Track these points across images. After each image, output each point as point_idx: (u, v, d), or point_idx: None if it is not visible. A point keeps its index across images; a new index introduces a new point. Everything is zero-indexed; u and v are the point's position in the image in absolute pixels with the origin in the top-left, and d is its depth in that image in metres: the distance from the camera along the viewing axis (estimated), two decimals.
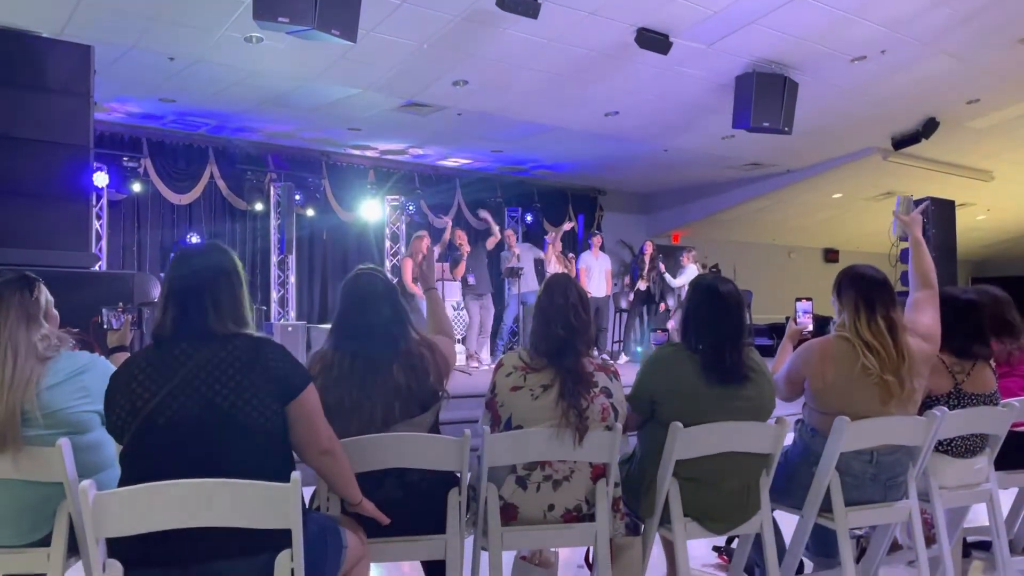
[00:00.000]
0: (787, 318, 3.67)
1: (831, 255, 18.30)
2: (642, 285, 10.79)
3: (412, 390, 2.53)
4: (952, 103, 9.56)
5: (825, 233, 16.97)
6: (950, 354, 3.21)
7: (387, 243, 11.68)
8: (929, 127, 10.18)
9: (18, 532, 2.28)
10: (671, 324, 3.34)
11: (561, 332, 2.66)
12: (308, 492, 2.41)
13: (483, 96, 8.64)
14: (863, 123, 10.06)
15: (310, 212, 10.86)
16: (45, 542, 2.26)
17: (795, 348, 3.14)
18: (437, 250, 9.48)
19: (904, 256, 10.20)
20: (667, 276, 10.71)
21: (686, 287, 10.74)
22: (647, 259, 10.85)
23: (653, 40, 7.03)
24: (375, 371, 2.50)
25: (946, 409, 2.95)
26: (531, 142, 10.82)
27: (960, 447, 3.18)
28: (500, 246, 10.28)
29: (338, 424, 2.35)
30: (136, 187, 9.37)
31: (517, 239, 12.51)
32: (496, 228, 10.17)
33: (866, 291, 2.90)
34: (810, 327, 3.36)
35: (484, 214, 10.57)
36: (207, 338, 2.03)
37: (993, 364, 3.32)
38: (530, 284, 9.90)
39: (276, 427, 2.02)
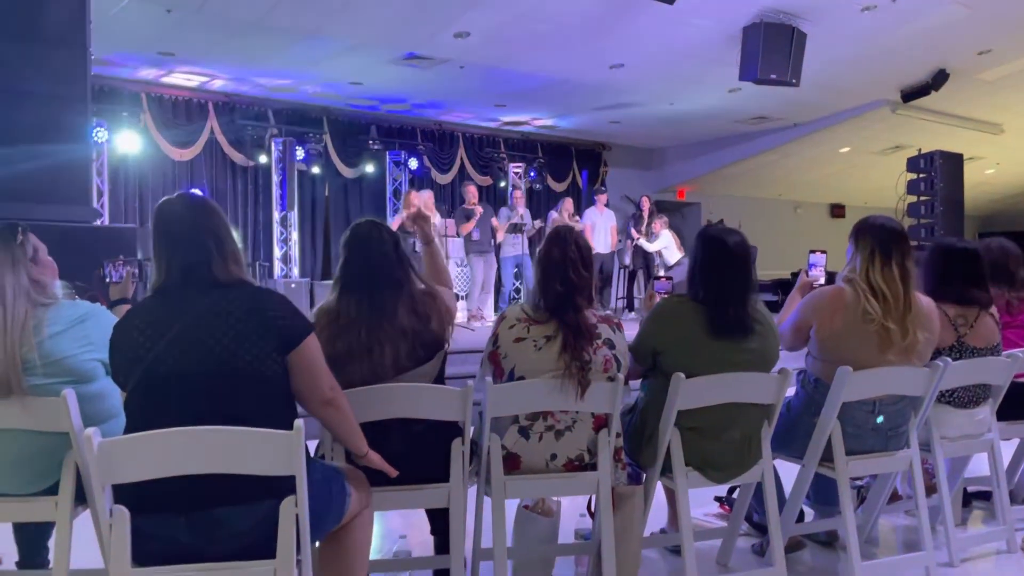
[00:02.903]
0: (792, 274, 3.63)
1: (837, 210, 18.20)
2: (641, 240, 10.76)
3: (417, 333, 2.56)
4: (963, 54, 9.41)
5: (832, 188, 16.86)
6: (951, 304, 3.20)
7: (389, 199, 11.61)
8: (939, 79, 10.04)
9: (26, 481, 2.31)
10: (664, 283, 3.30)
11: (560, 288, 2.65)
12: (312, 445, 2.43)
13: (485, 48, 8.52)
14: (872, 75, 9.91)
15: (314, 169, 10.81)
16: (53, 491, 2.28)
17: None
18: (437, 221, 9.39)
19: (912, 210, 10.17)
20: (642, 241, 10.67)
21: (662, 251, 10.71)
22: (645, 214, 10.81)
23: None
24: (383, 314, 2.52)
25: (949, 360, 2.94)
26: (534, 96, 10.70)
27: (963, 397, 3.18)
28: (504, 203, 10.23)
29: (349, 370, 2.37)
30: (136, 143, 9.31)
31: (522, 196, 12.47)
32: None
33: (885, 239, 2.88)
34: (821, 280, 3.33)
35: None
36: (209, 286, 2.04)
37: (995, 313, 3.31)
38: (521, 247, 9.92)
39: (277, 376, 2.02)
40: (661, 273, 10.37)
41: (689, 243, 12.85)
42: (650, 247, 10.62)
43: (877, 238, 2.89)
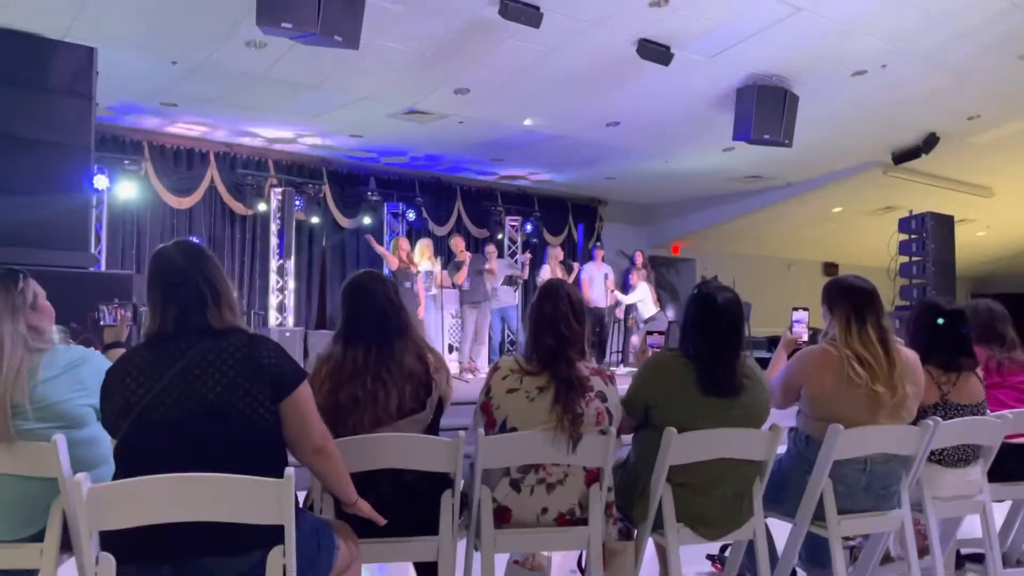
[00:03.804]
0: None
1: (831, 269, 18.30)
2: (617, 292, 10.82)
3: (420, 378, 2.58)
4: (952, 119, 9.59)
5: (825, 247, 17.00)
6: (935, 366, 3.22)
7: (387, 248, 11.67)
8: (930, 142, 10.21)
9: (11, 527, 2.29)
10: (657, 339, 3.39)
11: (551, 342, 2.67)
12: (301, 496, 2.42)
13: (484, 105, 8.67)
14: (863, 137, 10.09)
15: (312, 219, 10.90)
16: (38, 538, 2.25)
17: (789, 357, 3.15)
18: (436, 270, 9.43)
19: (903, 271, 10.24)
20: (618, 293, 10.72)
21: (638, 305, 10.76)
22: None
23: (655, 51, 7.06)
24: (391, 358, 2.55)
25: (939, 419, 2.95)
26: (532, 151, 10.86)
27: (953, 457, 3.18)
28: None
29: (352, 420, 2.38)
30: (137, 190, 9.38)
31: (517, 250, 12.57)
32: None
33: (857, 303, 2.93)
34: (805, 337, 3.37)
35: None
36: (203, 334, 2.05)
37: (981, 373, 3.33)
38: (505, 299, 9.97)
39: (269, 424, 2.03)
40: (642, 326, 10.45)
41: (682, 298, 12.88)
42: (625, 299, 10.68)
43: (849, 303, 2.94)
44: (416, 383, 2.57)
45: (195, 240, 2.36)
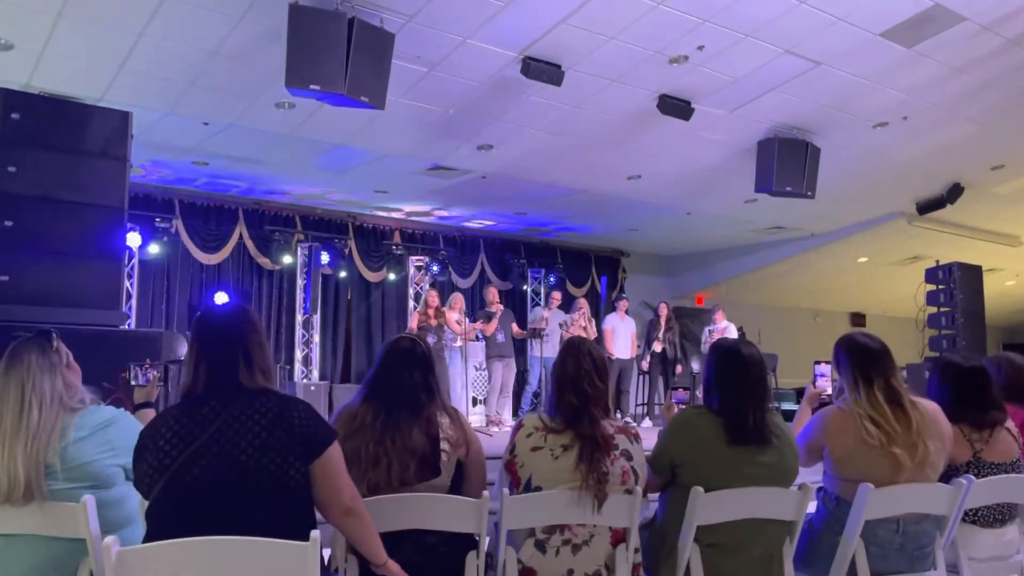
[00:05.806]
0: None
1: (857, 319, 18.12)
2: (657, 347, 10.69)
3: (426, 456, 2.57)
4: (976, 169, 9.57)
5: (851, 297, 16.85)
6: (967, 424, 3.15)
7: (411, 303, 11.76)
8: (954, 192, 10.16)
9: None
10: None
11: (574, 400, 2.67)
12: (326, 554, 2.41)
13: (507, 160, 8.80)
14: (887, 188, 10.08)
15: (339, 273, 11.04)
16: None
17: (813, 412, 3.11)
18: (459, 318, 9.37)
19: (932, 321, 10.07)
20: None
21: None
22: (663, 320, 10.75)
23: (675, 106, 7.15)
24: (395, 430, 2.56)
25: (973, 477, 2.89)
26: (554, 204, 10.96)
27: (988, 516, 3.10)
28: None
29: (353, 473, 2.39)
30: (167, 247, 9.57)
31: (540, 302, 12.55)
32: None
33: (862, 363, 2.90)
34: (828, 390, 3.33)
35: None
36: (236, 395, 2.08)
37: (1012, 428, 3.25)
38: (555, 347, 9.88)
39: (300, 485, 2.05)
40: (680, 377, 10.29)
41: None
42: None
43: (855, 364, 2.91)
44: (420, 461, 2.55)
45: (245, 304, 2.37)
